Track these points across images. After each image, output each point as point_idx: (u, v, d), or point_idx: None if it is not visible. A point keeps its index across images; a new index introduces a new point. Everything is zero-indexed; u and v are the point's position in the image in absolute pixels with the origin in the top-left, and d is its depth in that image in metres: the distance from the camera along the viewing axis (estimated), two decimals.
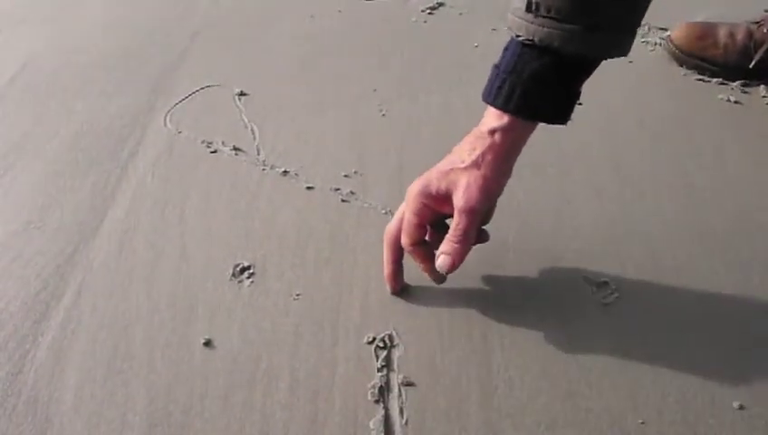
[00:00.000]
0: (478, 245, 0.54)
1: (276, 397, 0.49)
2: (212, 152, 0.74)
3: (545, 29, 0.44)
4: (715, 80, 0.88)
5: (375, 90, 0.85)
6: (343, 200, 0.67)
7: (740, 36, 0.87)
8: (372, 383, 0.50)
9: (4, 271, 0.59)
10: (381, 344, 0.53)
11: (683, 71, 0.91)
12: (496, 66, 0.48)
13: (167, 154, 0.74)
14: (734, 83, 0.87)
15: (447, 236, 0.50)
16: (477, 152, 0.49)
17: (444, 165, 0.51)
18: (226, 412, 0.48)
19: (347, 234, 0.63)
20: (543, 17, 0.44)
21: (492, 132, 0.48)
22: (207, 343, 0.53)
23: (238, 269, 0.59)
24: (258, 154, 0.74)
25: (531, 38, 0.45)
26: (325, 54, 0.94)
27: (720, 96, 0.85)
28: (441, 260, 0.50)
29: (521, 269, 0.60)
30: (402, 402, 0.49)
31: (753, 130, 0.79)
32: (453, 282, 0.56)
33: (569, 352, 0.52)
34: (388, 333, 0.53)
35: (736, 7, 0.96)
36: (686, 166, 0.73)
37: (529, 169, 0.69)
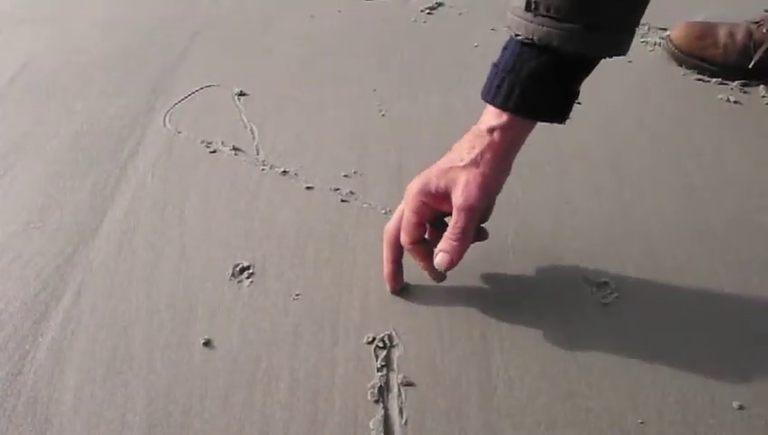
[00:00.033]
0: (477, 243, 0.54)
1: (276, 397, 0.49)
2: (211, 152, 0.74)
3: (544, 28, 0.44)
4: (714, 80, 0.88)
5: (375, 90, 0.85)
6: (343, 200, 0.67)
7: (740, 36, 0.87)
8: (372, 383, 0.50)
9: (3, 271, 0.59)
10: (381, 344, 0.53)
11: (682, 70, 0.91)
12: (495, 65, 0.48)
13: (166, 154, 0.74)
14: (734, 83, 0.87)
15: (446, 233, 0.50)
16: (476, 151, 0.49)
17: (443, 163, 0.51)
18: (226, 412, 0.48)
19: (346, 234, 0.63)
20: (543, 16, 0.44)
21: (491, 131, 0.49)
22: (207, 344, 0.53)
23: (238, 269, 0.59)
24: (258, 154, 0.74)
25: (530, 37, 0.45)
26: (325, 54, 0.94)
27: (720, 96, 0.85)
28: (440, 258, 0.50)
29: (520, 269, 0.60)
30: (402, 402, 0.49)
31: (752, 130, 0.79)
32: (452, 281, 0.56)
33: (569, 351, 0.52)
34: (387, 333, 0.53)
35: (736, 7, 0.96)
36: (685, 166, 0.73)
37: (528, 167, 0.70)
